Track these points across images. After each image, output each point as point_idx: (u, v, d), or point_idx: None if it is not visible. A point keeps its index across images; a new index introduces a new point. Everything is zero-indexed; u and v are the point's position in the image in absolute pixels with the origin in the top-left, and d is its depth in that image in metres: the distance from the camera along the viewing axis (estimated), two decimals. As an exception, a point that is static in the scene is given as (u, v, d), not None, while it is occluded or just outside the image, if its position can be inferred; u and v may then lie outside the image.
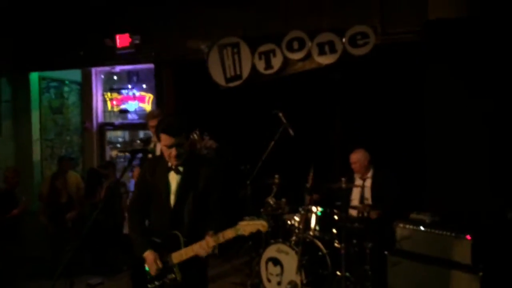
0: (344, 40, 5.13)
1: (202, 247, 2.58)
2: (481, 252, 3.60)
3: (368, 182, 4.73)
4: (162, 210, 2.77)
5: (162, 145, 2.70)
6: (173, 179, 2.77)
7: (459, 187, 4.59)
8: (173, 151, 2.65)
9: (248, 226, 2.37)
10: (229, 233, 2.48)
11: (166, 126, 2.66)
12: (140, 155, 5.15)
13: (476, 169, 4.56)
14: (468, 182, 4.56)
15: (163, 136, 2.65)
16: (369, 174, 4.77)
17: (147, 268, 2.72)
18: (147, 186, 2.84)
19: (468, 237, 3.59)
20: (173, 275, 2.64)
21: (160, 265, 2.67)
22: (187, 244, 2.63)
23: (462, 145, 4.68)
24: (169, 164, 2.76)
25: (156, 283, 2.70)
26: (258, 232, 2.36)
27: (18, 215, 5.52)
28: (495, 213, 4.15)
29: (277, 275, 4.46)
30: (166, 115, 2.80)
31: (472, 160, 4.58)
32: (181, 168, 2.75)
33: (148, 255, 2.71)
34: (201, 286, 2.87)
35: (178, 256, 2.66)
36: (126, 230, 6.49)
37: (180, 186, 2.74)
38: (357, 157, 4.77)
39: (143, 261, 2.73)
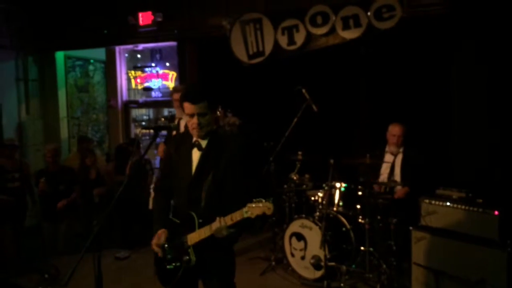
0: (369, 13, 5.00)
1: (212, 229, 2.43)
2: (509, 228, 3.54)
3: (399, 158, 4.69)
4: (181, 188, 2.62)
5: (185, 115, 2.60)
6: (196, 156, 2.62)
7: (485, 163, 4.52)
8: (195, 120, 2.53)
9: (255, 209, 2.27)
10: (237, 215, 2.34)
11: (187, 93, 2.58)
12: (163, 132, 5.29)
13: (503, 144, 4.46)
14: (495, 157, 4.47)
15: (185, 105, 2.54)
16: (401, 150, 4.72)
17: (167, 248, 2.62)
18: (172, 163, 2.73)
19: (496, 212, 3.54)
20: (187, 257, 2.54)
21: (162, 240, 2.57)
22: (202, 226, 2.49)
23: (488, 122, 4.58)
24: (193, 139, 2.64)
25: (173, 264, 2.60)
26: (264, 214, 2.22)
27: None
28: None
29: (300, 250, 4.51)
30: (188, 85, 2.59)
31: (499, 135, 4.48)
32: (203, 144, 2.61)
33: (158, 233, 2.61)
34: (221, 271, 2.65)
35: (192, 238, 2.53)
36: (151, 206, 6.64)
37: (200, 163, 2.58)
38: (401, 130, 4.66)
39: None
